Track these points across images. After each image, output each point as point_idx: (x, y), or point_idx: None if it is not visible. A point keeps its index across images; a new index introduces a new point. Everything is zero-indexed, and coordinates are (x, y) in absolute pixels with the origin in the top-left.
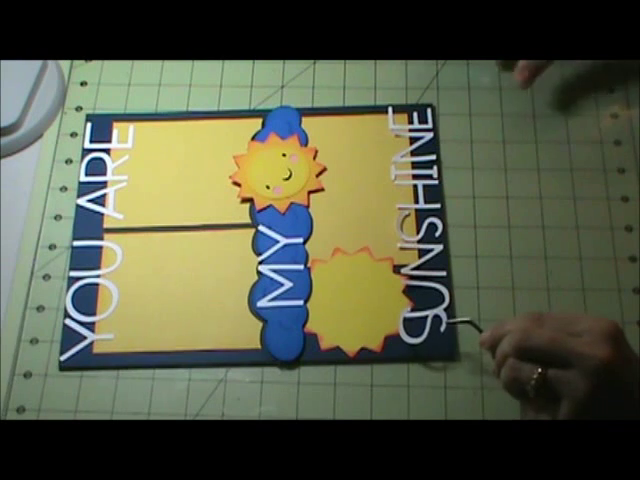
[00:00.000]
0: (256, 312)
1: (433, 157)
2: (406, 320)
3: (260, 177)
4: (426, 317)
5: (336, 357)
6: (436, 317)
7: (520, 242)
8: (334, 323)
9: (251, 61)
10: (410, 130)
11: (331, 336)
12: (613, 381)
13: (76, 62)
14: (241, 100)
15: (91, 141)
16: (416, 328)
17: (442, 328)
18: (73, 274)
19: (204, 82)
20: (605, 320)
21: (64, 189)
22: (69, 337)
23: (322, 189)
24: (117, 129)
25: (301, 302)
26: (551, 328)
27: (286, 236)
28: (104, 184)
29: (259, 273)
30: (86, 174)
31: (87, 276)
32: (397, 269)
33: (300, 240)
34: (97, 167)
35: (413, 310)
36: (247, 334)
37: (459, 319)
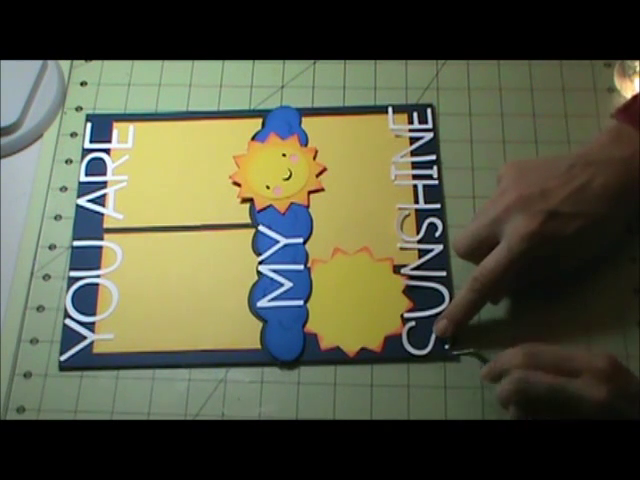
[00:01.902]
0: (256, 312)
1: (433, 157)
2: (410, 329)
3: (260, 177)
4: (431, 331)
5: (336, 357)
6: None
7: None
8: (334, 323)
9: (251, 61)
10: (410, 130)
11: (331, 336)
12: (614, 418)
13: (76, 62)
14: (241, 100)
15: (91, 141)
16: (420, 340)
17: (446, 346)
18: (73, 274)
19: (204, 82)
20: (602, 357)
21: (64, 189)
22: (69, 337)
23: (322, 189)
24: (117, 129)
25: (301, 302)
26: (548, 367)
27: (286, 236)
28: (104, 184)
29: (259, 273)
30: (86, 174)
31: (87, 276)
32: (397, 269)
33: (300, 240)
34: (97, 167)
35: (413, 310)
36: (247, 334)
37: (465, 351)
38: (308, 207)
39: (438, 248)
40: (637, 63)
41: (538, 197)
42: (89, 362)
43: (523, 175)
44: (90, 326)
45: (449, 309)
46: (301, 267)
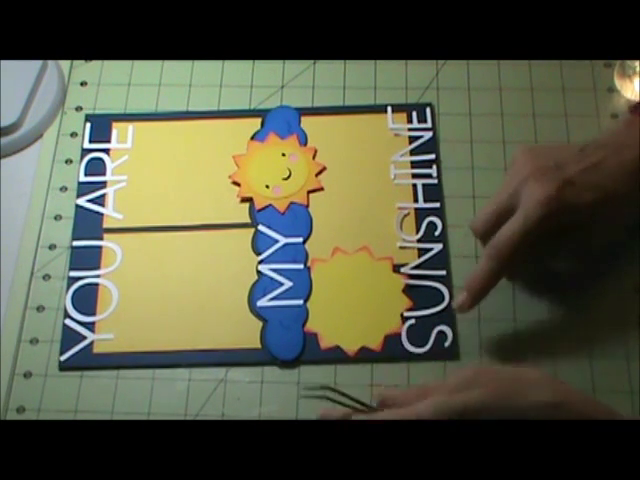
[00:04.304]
0: (256, 311)
1: (432, 156)
2: (410, 327)
3: (259, 177)
4: (431, 329)
5: (336, 356)
6: (441, 332)
7: None
8: (334, 322)
9: (251, 61)
10: (409, 129)
11: (331, 335)
12: None
13: (76, 62)
14: (241, 100)
15: (90, 141)
16: (420, 338)
17: (447, 344)
18: (73, 274)
19: (204, 82)
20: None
21: (64, 189)
22: (69, 337)
23: (321, 188)
24: (116, 129)
25: (301, 301)
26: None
27: (286, 235)
28: (104, 184)
29: (259, 273)
30: (85, 174)
31: (87, 276)
32: (397, 268)
33: (300, 239)
34: (96, 167)
35: (412, 309)
36: (247, 334)
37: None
38: (308, 206)
39: (438, 247)
40: (637, 63)
41: (554, 168)
42: (89, 362)
43: (537, 154)
44: (90, 326)
45: (467, 282)
46: (301, 266)
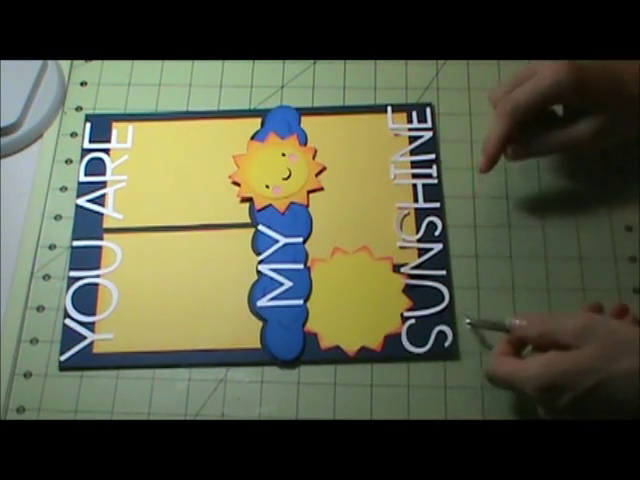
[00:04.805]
0: (256, 311)
1: (432, 156)
2: (410, 327)
3: (259, 177)
4: (431, 329)
5: (336, 356)
6: (441, 332)
7: (520, 242)
8: (334, 322)
9: (251, 61)
10: (409, 129)
11: (331, 335)
12: None
13: (76, 62)
14: (241, 100)
15: (90, 141)
16: (420, 338)
17: (447, 343)
18: (73, 274)
19: (204, 82)
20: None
21: (64, 189)
22: (69, 337)
23: (321, 188)
24: (116, 129)
25: (301, 301)
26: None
27: (286, 235)
28: (104, 184)
29: (259, 273)
30: (85, 174)
31: (87, 276)
32: (397, 268)
33: (300, 239)
34: (96, 167)
35: (412, 309)
36: (247, 334)
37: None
38: (308, 206)
39: (438, 247)
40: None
41: (573, 63)
42: (89, 362)
43: None
44: (90, 326)
45: (483, 146)
46: (301, 266)
